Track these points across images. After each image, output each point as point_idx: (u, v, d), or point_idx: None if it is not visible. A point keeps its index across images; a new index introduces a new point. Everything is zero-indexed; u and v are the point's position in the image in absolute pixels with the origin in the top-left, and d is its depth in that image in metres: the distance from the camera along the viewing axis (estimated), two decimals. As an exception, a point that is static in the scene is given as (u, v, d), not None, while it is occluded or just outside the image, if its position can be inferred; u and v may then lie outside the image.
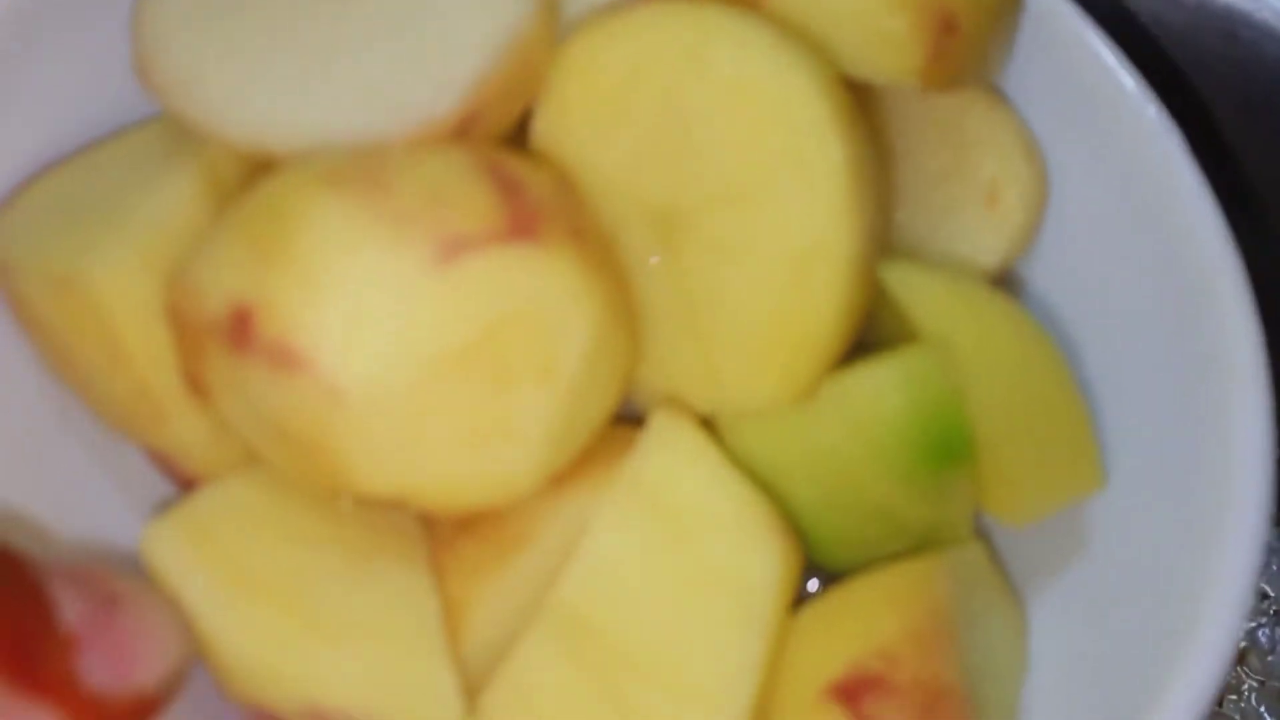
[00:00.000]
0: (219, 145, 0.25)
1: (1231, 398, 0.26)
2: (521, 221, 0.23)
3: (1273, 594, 0.47)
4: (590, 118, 0.27)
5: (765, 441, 0.27)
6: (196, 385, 0.25)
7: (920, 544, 0.28)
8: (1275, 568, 0.47)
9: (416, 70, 0.25)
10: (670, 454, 0.26)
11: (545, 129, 0.27)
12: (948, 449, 0.27)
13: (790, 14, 0.27)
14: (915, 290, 0.28)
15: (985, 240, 0.31)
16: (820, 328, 0.26)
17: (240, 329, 0.23)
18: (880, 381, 0.27)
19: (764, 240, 0.26)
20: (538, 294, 0.24)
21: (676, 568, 0.26)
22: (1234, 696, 0.47)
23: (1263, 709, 0.46)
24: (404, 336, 0.23)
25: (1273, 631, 0.47)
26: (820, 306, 0.26)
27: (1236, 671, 0.46)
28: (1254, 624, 0.47)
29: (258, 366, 0.23)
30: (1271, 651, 0.47)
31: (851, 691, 0.25)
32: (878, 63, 0.27)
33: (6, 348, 0.27)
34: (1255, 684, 0.47)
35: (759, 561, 0.26)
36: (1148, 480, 0.28)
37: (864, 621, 0.26)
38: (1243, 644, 0.47)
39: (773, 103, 0.25)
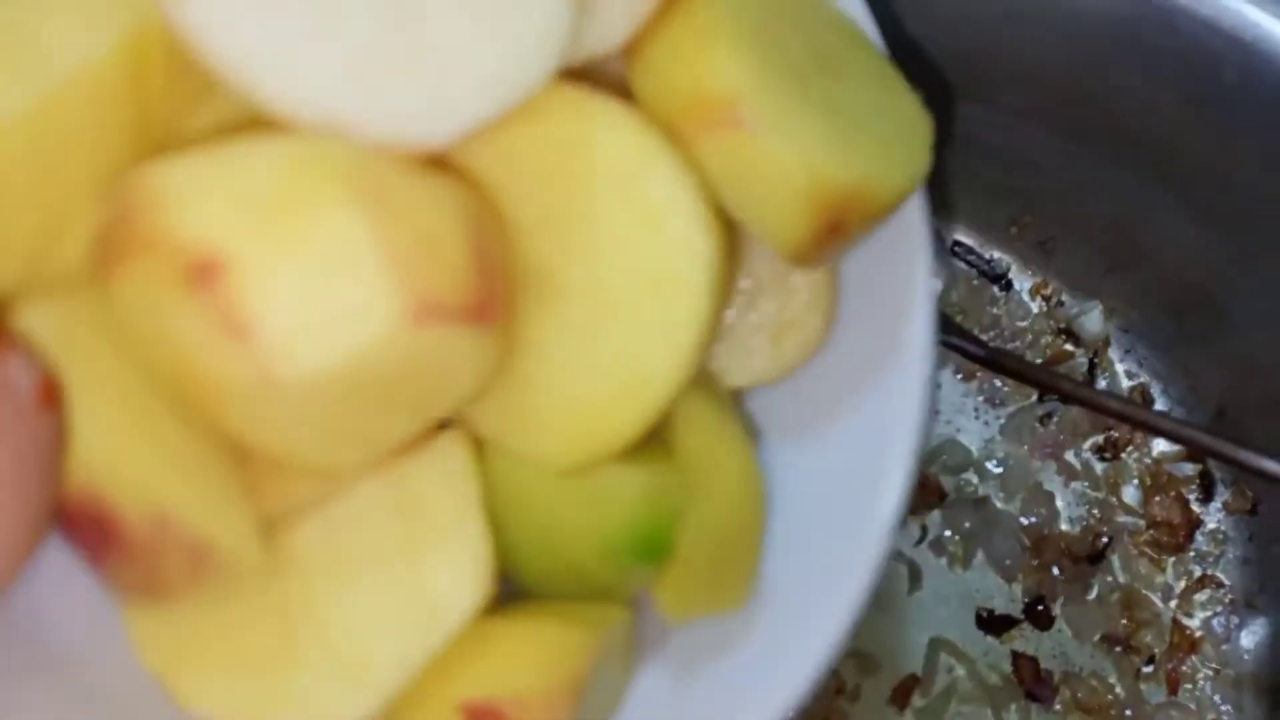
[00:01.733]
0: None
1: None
2: (485, 303, 0.25)
3: (1228, 583, 0.48)
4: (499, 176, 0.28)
5: (523, 482, 0.31)
6: (105, 260, 0.24)
7: (597, 596, 0.33)
8: (1230, 556, 0.48)
9: (433, 90, 0.25)
10: (432, 467, 0.29)
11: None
12: (653, 553, 0.32)
13: (703, 151, 0.28)
14: (693, 417, 0.32)
15: (759, 370, 0.35)
16: (624, 436, 0.29)
17: (204, 273, 0.23)
18: (632, 484, 0.31)
19: (614, 347, 0.28)
20: (462, 362, 0.26)
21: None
22: (1189, 685, 0.47)
23: (1217, 697, 0.47)
24: (348, 359, 0.24)
25: (1228, 620, 0.48)
26: (636, 423, 0.29)
27: (1192, 661, 0.47)
28: (1209, 613, 0.48)
29: (198, 311, 0.23)
30: (1226, 640, 0.47)
31: (479, 715, 0.30)
32: (760, 225, 0.29)
33: None
34: (1210, 672, 0.47)
35: (453, 575, 0.29)
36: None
37: (520, 664, 0.30)
38: (1198, 633, 0.47)
39: (652, 215, 0.27)
